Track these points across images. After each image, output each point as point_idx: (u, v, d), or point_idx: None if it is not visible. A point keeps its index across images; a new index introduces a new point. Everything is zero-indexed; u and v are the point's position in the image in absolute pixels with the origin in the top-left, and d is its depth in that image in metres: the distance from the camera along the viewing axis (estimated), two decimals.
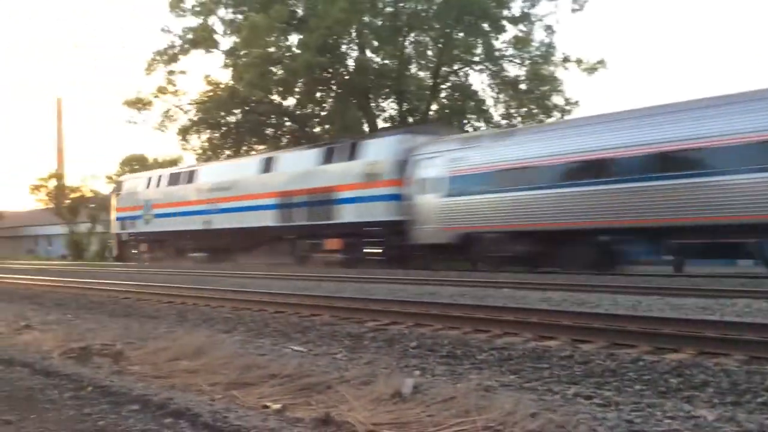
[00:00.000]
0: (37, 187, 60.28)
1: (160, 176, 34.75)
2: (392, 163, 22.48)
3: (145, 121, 41.25)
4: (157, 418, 4.18)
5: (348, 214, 23.62)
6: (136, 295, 13.04)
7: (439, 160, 21.04)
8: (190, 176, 32.19)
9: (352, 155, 24.03)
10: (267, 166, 27.77)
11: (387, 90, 37.84)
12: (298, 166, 26.15)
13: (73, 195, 57.61)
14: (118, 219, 36.25)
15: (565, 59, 35.50)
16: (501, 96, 37.76)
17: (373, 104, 38.88)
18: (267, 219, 26.58)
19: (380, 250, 23.12)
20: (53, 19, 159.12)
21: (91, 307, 11.89)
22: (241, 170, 29.52)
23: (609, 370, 5.68)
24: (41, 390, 4.98)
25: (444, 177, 20.69)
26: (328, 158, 25.12)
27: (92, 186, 61.41)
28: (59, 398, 4.73)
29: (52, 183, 61.57)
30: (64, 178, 64.31)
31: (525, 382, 5.44)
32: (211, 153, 42.02)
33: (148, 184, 34.66)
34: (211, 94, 40.46)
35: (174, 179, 33.16)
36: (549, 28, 35.75)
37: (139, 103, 40.68)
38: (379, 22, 36.36)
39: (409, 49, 38.22)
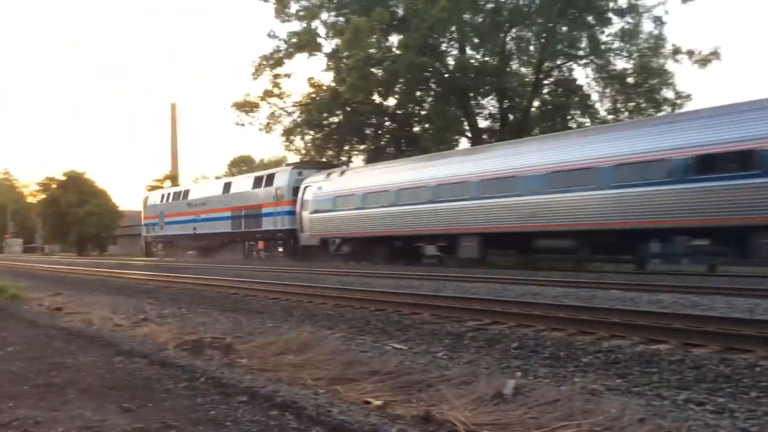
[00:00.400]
0: (153, 188, 63.52)
1: (169, 193, 46.60)
2: (289, 189, 32.05)
3: (252, 123, 42.78)
4: (264, 410, 4.34)
5: (267, 224, 33.62)
6: (244, 291, 13.52)
7: (310, 188, 30.21)
8: (185, 194, 43.18)
9: (269, 182, 33.99)
10: (226, 188, 38.78)
11: (487, 87, 37.42)
12: (242, 189, 36.65)
13: None
14: (144, 225, 48.26)
15: (676, 51, 33.93)
16: (607, 90, 36.58)
17: (473, 102, 38.58)
18: (226, 226, 37.09)
19: (283, 249, 33.89)
20: (165, 28, 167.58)
21: (203, 302, 12.43)
22: (212, 190, 40.78)
23: (723, 376, 5.41)
24: (158, 380, 5.26)
25: (312, 199, 29.75)
26: (257, 184, 35.22)
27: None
28: (174, 388, 4.98)
29: (167, 184, 64.73)
30: (178, 179, 67.60)
31: (632, 386, 5.26)
32: (314, 153, 43.01)
33: (162, 199, 46.21)
34: (314, 96, 41.40)
35: (176, 196, 44.38)
36: (658, 20, 34.31)
37: (247, 106, 42.19)
38: (480, 19, 36.00)
39: (511, 45, 37.68)
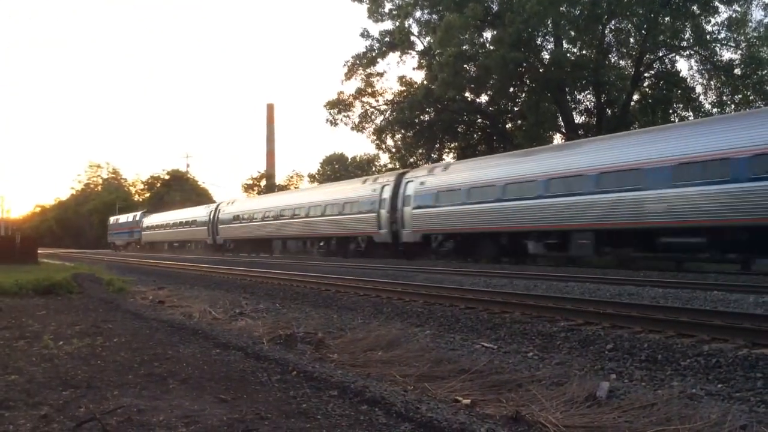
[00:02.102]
0: (250, 186, 65.64)
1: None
2: None
3: (345, 122, 43.41)
4: (354, 405, 4.39)
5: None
6: (336, 287, 13.73)
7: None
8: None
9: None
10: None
11: (584, 82, 36.45)
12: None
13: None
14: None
15: None
16: (712, 82, 34.90)
17: (569, 97, 37.68)
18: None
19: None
20: (259, 30, 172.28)
21: (296, 298, 12.71)
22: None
23: None
24: (252, 372, 5.42)
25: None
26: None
27: (298, 184, 65.68)
28: (268, 381, 5.12)
29: (263, 182, 66.62)
30: (274, 178, 69.42)
31: (735, 391, 5.01)
32: (404, 152, 43.18)
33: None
34: (406, 94, 41.56)
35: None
36: None
37: (340, 105, 42.85)
38: (577, 12, 35.09)
39: (609, 38, 36.56)
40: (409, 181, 28.75)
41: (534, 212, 21.95)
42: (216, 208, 48.26)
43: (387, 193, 29.59)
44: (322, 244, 35.09)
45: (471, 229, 24.87)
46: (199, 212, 51.90)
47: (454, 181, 26.25)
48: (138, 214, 65.74)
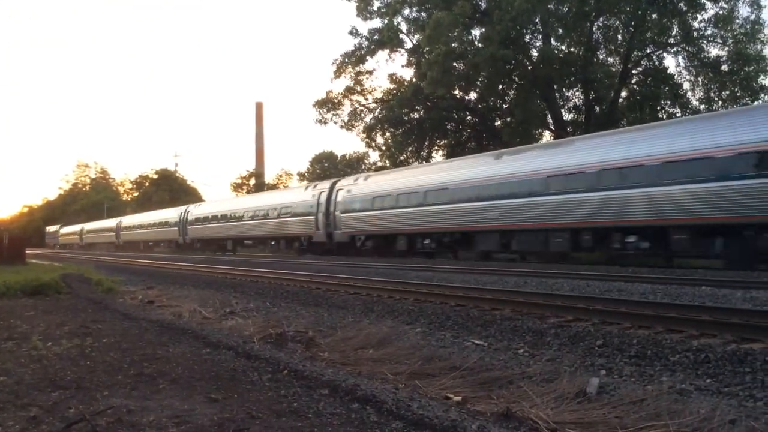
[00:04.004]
0: (239, 185, 65.47)
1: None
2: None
3: (334, 121, 43.33)
4: (345, 403, 4.40)
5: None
6: (326, 286, 13.72)
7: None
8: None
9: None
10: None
11: (572, 79, 36.56)
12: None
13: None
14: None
15: None
16: (699, 79, 35.09)
17: (557, 94, 37.78)
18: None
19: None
20: (248, 28, 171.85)
21: (286, 297, 12.69)
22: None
23: None
24: (243, 372, 5.41)
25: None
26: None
27: (287, 183, 65.56)
28: (258, 380, 5.11)
29: (252, 181, 66.46)
30: (263, 176, 69.26)
31: (723, 386, 5.05)
32: (394, 150, 43.17)
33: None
34: (395, 92, 41.56)
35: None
36: (755, 3, 32.61)
37: (329, 104, 42.79)
38: (565, 9, 35.17)
39: (597, 35, 36.68)
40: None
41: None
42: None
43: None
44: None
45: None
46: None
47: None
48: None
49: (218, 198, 61.87)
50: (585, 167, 20.07)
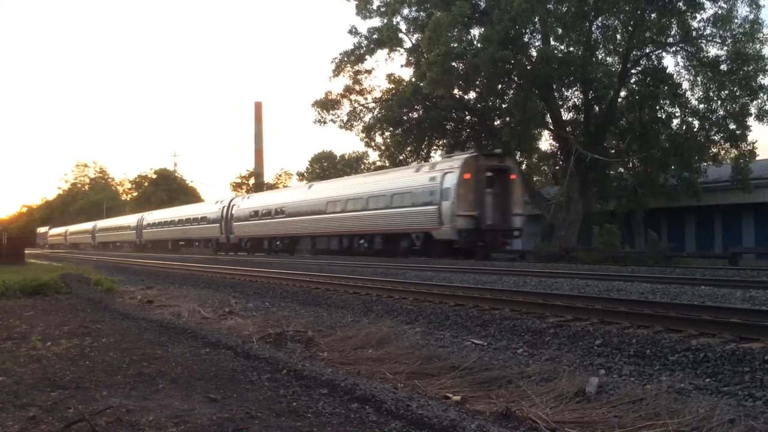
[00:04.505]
0: (238, 185, 65.42)
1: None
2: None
3: (333, 121, 43.25)
4: (344, 403, 4.39)
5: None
6: (325, 285, 13.72)
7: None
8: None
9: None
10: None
11: (571, 79, 36.51)
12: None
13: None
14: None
15: None
16: (699, 79, 35.04)
17: (557, 94, 37.75)
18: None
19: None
20: (247, 28, 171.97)
21: (285, 296, 12.69)
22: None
23: None
24: (242, 371, 5.41)
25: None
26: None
27: (286, 182, 65.54)
28: (258, 380, 5.11)
29: (252, 180, 66.40)
30: (263, 176, 69.22)
31: (722, 386, 5.05)
32: (393, 150, 43.11)
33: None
34: (394, 92, 41.50)
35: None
36: (754, 3, 32.57)
37: (328, 104, 42.72)
38: (564, 9, 35.13)
39: (596, 35, 36.61)
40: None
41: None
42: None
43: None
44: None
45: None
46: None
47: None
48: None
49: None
50: (343, 197, 33.33)
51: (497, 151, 31.37)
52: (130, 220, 64.83)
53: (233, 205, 44.82)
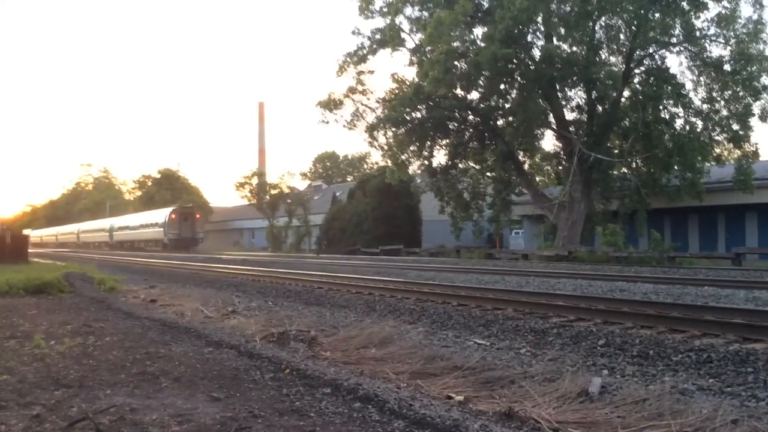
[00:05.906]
0: (241, 185, 65.24)
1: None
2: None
3: (337, 121, 43.21)
4: (347, 402, 4.39)
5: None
6: (328, 285, 13.72)
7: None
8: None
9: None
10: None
11: (575, 78, 36.42)
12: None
13: (272, 191, 61.84)
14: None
15: None
16: (702, 79, 34.95)
17: (560, 94, 37.66)
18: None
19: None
20: (250, 28, 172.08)
21: (288, 296, 12.69)
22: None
23: None
24: (245, 371, 5.41)
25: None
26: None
27: (289, 183, 65.48)
28: (261, 379, 5.11)
29: (255, 180, 66.29)
30: (266, 176, 69.14)
31: (726, 386, 5.04)
32: (396, 149, 43.06)
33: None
34: (397, 91, 41.45)
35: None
36: (757, 3, 32.48)
37: (331, 104, 42.69)
38: (567, 8, 35.04)
39: (599, 34, 36.52)
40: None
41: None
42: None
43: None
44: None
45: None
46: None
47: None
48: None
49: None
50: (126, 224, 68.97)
51: (189, 205, 64.25)
52: (102, 224, 79.85)
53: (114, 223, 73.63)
